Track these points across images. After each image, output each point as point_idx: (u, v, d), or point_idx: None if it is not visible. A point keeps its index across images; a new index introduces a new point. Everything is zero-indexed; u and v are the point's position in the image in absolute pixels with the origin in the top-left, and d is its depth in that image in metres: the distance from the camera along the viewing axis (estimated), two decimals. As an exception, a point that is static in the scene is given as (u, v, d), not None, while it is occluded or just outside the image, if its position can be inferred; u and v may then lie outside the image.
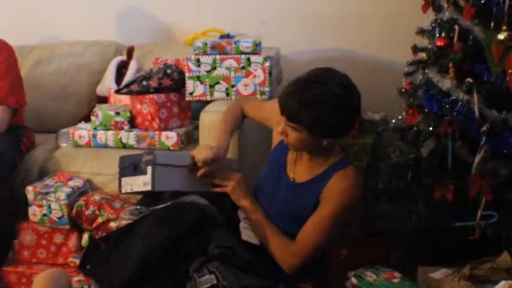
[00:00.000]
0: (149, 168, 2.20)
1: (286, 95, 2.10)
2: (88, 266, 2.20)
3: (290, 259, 2.18)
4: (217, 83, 3.08)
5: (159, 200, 2.25)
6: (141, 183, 2.23)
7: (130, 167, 2.27)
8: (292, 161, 2.29)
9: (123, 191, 2.31)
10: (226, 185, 2.27)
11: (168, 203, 2.19)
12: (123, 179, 2.30)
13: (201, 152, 2.28)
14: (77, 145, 3.25)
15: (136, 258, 2.03)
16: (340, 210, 2.15)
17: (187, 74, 3.11)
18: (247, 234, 2.21)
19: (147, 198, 2.30)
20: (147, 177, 2.21)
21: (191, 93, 3.12)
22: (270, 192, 2.30)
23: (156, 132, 3.12)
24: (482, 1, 2.51)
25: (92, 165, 3.12)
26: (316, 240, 2.17)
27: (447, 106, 2.58)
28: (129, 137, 3.16)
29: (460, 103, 2.53)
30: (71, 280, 2.19)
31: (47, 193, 2.91)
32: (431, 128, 2.69)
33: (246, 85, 3.07)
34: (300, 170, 2.27)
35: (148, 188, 2.21)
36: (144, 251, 2.04)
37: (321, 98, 2.04)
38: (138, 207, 2.27)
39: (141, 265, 2.02)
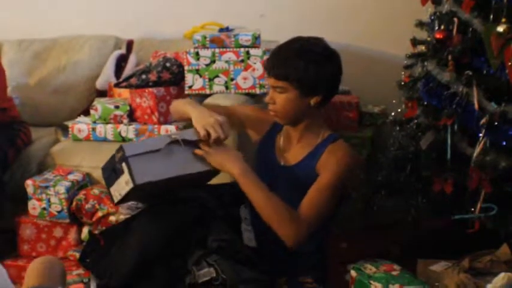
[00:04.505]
0: (124, 165, 2.02)
1: (271, 57, 2.26)
2: (88, 260, 2.21)
3: (295, 229, 2.09)
4: (217, 76, 3.08)
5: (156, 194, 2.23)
6: (123, 184, 2.04)
7: (111, 173, 2.08)
8: (279, 149, 2.32)
9: (115, 201, 2.13)
10: (207, 153, 2.13)
11: (166, 198, 2.18)
12: (111, 189, 2.12)
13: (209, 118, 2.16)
14: (76, 139, 3.25)
15: (134, 254, 2.03)
16: (337, 179, 2.18)
17: (186, 68, 3.10)
18: (247, 237, 2.17)
19: (145, 193, 2.27)
20: (126, 175, 2.02)
21: (190, 87, 3.11)
22: (268, 185, 2.27)
23: (156, 126, 3.12)
24: (482, -7, 2.51)
25: (91, 159, 3.11)
26: (318, 207, 2.15)
27: (446, 99, 2.57)
28: (128, 130, 3.16)
29: (459, 96, 2.53)
30: (65, 270, 2.17)
31: (46, 187, 2.91)
32: (430, 121, 2.70)
33: (245, 78, 3.07)
34: (291, 154, 2.29)
35: (131, 185, 2.01)
36: (141, 248, 2.03)
37: (306, 48, 2.19)
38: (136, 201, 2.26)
39: (139, 261, 2.02)
